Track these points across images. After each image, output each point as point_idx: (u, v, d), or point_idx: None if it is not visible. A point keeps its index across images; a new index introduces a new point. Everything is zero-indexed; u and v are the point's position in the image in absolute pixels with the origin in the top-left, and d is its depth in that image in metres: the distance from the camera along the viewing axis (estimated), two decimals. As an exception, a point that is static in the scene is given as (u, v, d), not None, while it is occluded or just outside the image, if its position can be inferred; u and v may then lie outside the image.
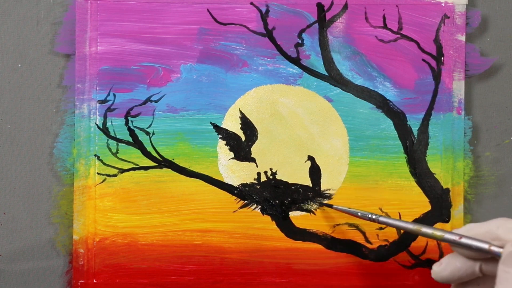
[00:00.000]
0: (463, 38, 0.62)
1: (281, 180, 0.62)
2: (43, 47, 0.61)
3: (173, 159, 0.61)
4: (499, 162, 0.64)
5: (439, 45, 0.62)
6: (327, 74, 0.62)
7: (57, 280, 0.61)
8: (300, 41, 0.62)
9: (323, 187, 0.62)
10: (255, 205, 0.61)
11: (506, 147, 0.64)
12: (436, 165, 0.62)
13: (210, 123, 0.61)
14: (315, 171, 0.62)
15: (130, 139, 0.61)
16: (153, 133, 0.61)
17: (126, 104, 0.61)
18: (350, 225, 0.62)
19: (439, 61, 0.62)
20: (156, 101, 0.61)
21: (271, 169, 0.62)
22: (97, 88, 0.61)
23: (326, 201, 0.62)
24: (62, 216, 0.61)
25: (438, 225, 0.62)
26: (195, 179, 0.61)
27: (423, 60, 0.62)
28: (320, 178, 0.62)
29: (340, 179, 0.62)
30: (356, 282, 0.62)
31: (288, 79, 0.62)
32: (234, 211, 0.61)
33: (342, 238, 0.62)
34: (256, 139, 0.62)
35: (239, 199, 0.61)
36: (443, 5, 0.62)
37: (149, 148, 0.61)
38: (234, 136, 0.62)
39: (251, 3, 0.61)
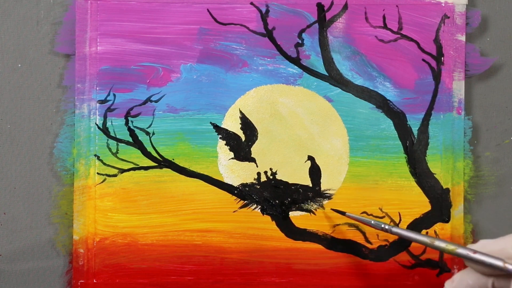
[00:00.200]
0: (463, 38, 0.62)
1: (281, 180, 0.62)
2: (43, 47, 0.61)
3: (173, 159, 0.61)
4: (499, 162, 0.64)
5: (439, 45, 0.62)
6: (327, 74, 0.62)
7: (57, 280, 0.61)
8: (300, 41, 0.62)
9: (323, 187, 0.62)
10: (255, 205, 0.61)
11: (506, 147, 0.64)
12: (436, 165, 0.62)
13: (210, 123, 0.61)
14: (315, 171, 0.62)
15: (130, 139, 0.61)
16: (153, 133, 0.61)
17: (126, 104, 0.61)
18: (350, 225, 0.62)
19: (439, 61, 0.62)
20: (156, 101, 0.61)
21: (271, 169, 0.62)
22: (97, 88, 0.61)
23: (325, 203, 0.61)
24: (62, 216, 0.61)
25: (438, 225, 0.62)
26: (195, 179, 0.61)
27: (423, 60, 0.62)
28: (320, 178, 0.62)
29: (340, 179, 0.62)
30: (356, 282, 0.62)
31: (288, 79, 0.62)
32: (234, 211, 0.61)
33: (342, 238, 0.62)
34: (256, 139, 0.62)
35: (239, 199, 0.61)
36: (443, 5, 0.62)
37: (149, 148, 0.61)
38: (234, 136, 0.62)
39: (251, 3, 0.61)
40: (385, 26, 0.62)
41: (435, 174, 0.62)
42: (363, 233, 0.62)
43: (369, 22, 0.62)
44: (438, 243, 0.44)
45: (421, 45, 0.62)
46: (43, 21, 0.61)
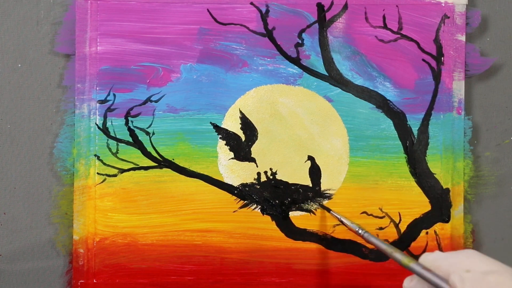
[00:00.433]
0: (463, 38, 0.62)
1: (281, 180, 0.62)
2: (43, 47, 0.61)
3: (173, 159, 0.61)
4: (499, 162, 0.64)
5: (439, 45, 0.62)
6: (327, 74, 0.62)
7: (57, 280, 0.61)
8: (300, 41, 0.62)
9: (323, 187, 0.62)
10: (255, 205, 0.61)
11: (506, 147, 0.64)
12: (436, 165, 0.62)
13: (210, 123, 0.61)
14: (315, 171, 0.62)
15: (130, 139, 0.61)
16: (153, 133, 0.61)
17: (126, 104, 0.61)
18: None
19: (439, 61, 0.62)
20: (156, 101, 0.61)
21: (271, 169, 0.62)
22: (97, 88, 0.61)
23: (325, 203, 0.62)
24: (62, 216, 0.61)
25: (438, 225, 0.62)
26: (195, 179, 0.61)
27: (423, 60, 0.62)
28: (320, 178, 0.62)
29: (340, 179, 0.62)
30: (356, 282, 0.62)
31: (288, 79, 0.62)
32: (234, 211, 0.61)
33: (342, 238, 0.62)
34: (256, 139, 0.62)
35: (239, 199, 0.61)
36: (443, 5, 0.62)
37: (149, 148, 0.61)
38: (234, 136, 0.62)
39: (251, 3, 0.61)
40: (385, 26, 0.62)
41: (435, 174, 0.62)
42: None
43: (369, 22, 0.62)
44: (395, 255, 0.46)
45: (421, 45, 0.62)
46: (43, 21, 0.61)
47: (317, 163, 0.62)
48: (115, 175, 0.61)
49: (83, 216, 0.60)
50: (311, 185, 0.62)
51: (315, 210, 0.62)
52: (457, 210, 0.62)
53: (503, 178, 0.64)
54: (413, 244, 0.62)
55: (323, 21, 0.62)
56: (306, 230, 0.62)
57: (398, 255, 0.45)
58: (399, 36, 0.62)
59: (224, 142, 0.62)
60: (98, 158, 0.61)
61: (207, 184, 0.61)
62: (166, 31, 0.61)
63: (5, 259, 0.61)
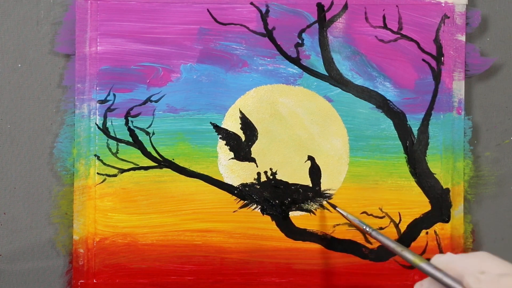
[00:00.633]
0: (463, 38, 0.62)
1: (281, 180, 0.62)
2: (43, 47, 0.61)
3: (173, 159, 0.61)
4: (499, 162, 0.64)
5: (439, 45, 0.62)
6: (327, 74, 0.62)
7: (57, 280, 0.61)
8: (300, 41, 0.62)
9: (323, 187, 0.62)
10: (255, 205, 0.61)
11: (506, 147, 0.64)
12: (436, 165, 0.62)
13: (210, 123, 0.61)
14: (315, 171, 0.62)
15: (130, 139, 0.61)
16: (153, 133, 0.61)
17: (126, 104, 0.61)
18: (350, 225, 0.62)
19: (439, 61, 0.62)
20: (156, 101, 0.61)
21: (271, 169, 0.62)
22: (97, 88, 0.61)
23: (324, 203, 0.62)
24: (62, 216, 0.61)
25: (438, 225, 0.62)
26: (195, 179, 0.61)
27: (423, 60, 0.62)
28: (320, 178, 0.62)
29: (340, 179, 0.62)
30: (356, 282, 0.62)
31: (288, 79, 0.62)
32: (234, 211, 0.61)
33: (342, 238, 0.62)
34: (256, 139, 0.62)
35: (239, 199, 0.61)
36: (443, 5, 0.62)
37: (149, 148, 0.61)
38: (234, 136, 0.62)
39: (251, 3, 0.61)
40: (385, 26, 0.62)
41: (435, 174, 0.62)
42: (363, 233, 0.62)
43: (369, 22, 0.62)
44: (406, 254, 0.45)
45: (421, 45, 0.62)
46: (43, 21, 0.61)
47: (317, 163, 0.62)
48: (115, 175, 0.61)
49: (83, 216, 0.60)
50: (311, 185, 0.62)
51: (315, 210, 0.62)
52: (457, 210, 0.62)
53: (503, 178, 0.64)
54: (413, 244, 0.62)
55: (323, 21, 0.62)
56: (306, 230, 0.62)
57: (409, 254, 0.45)
58: (399, 36, 0.62)
59: (224, 142, 0.62)
60: (98, 158, 0.61)
61: (207, 184, 0.61)
62: (166, 31, 0.61)
63: (5, 259, 0.61)
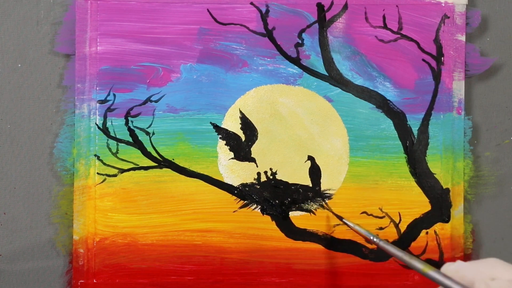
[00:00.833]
0: (463, 38, 0.62)
1: (281, 180, 0.62)
2: (43, 47, 0.61)
3: (173, 159, 0.61)
4: (499, 162, 0.64)
5: (439, 45, 0.62)
6: (327, 74, 0.62)
7: (57, 280, 0.61)
8: (300, 41, 0.62)
9: (323, 187, 0.62)
10: (255, 205, 0.61)
11: (506, 147, 0.64)
12: (436, 165, 0.62)
13: (210, 123, 0.61)
14: (315, 171, 0.62)
15: (130, 139, 0.61)
16: (153, 133, 0.61)
17: (126, 104, 0.61)
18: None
19: (439, 61, 0.62)
20: (156, 101, 0.61)
21: (271, 169, 0.62)
22: (97, 88, 0.61)
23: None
24: (62, 216, 0.61)
25: (438, 225, 0.62)
26: (195, 179, 0.61)
27: (423, 60, 0.62)
28: (320, 178, 0.62)
29: (340, 179, 0.62)
30: (356, 282, 0.62)
31: (288, 79, 0.62)
32: (234, 211, 0.61)
33: (342, 238, 0.62)
34: (256, 139, 0.62)
35: (239, 199, 0.61)
36: (443, 5, 0.62)
37: (149, 148, 0.61)
38: (234, 136, 0.62)
39: (251, 3, 0.61)
40: (385, 26, 0.62)
41: (435, 174, 0.62)
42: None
43: (369, 22, 0.62)
44: (414, 263, 0.45)
45: (421, 45, 0.62)
46: (43, 21, 0.61)
47: (317, 163, 0.62)
48: (115, 175, 0.61)
49: (83, 216, 0.60)
50: (311, 185, 0.62)
51: (315, 210, 0.62)
52: (457, 210, 0.62)
53: (503, 178, 0.64)
54: (413, 244, 0.62)
55: (323, 21, 0.62)
56: (306, 230, 0.62)
57: (418, 263, 0.44)
58: (399, 36, 0.62)
59: (224, 142, 0.62)
60: (98, 158, 0.61)
61: (207, 184, 0.61)
62: (166, 31, 0.61)
63: (5, 259, 0.61)
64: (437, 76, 0.62)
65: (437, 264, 0.62)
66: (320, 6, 0.62)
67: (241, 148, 0.62)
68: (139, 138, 0.61)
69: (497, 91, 0.64)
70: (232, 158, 0.62)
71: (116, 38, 0.61)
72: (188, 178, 0.61)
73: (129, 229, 0.61)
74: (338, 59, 0.62)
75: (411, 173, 0.62)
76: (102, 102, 0.61)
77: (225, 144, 0.62)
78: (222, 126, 0.62)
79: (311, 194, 0.62)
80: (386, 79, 0.62)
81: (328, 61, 0.62)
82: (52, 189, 0.61)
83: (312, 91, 0.62)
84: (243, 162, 0.62)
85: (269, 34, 0.61)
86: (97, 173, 0.61)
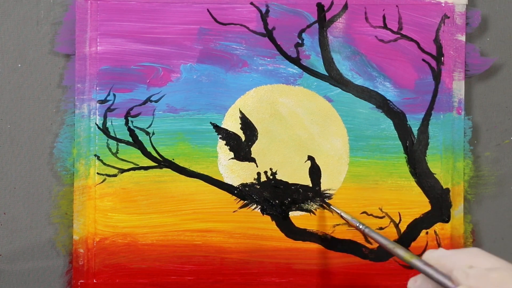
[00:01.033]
0: (463, 38, 0.62)
1: (281, 180, 0.62)
2: (43, 47, 0.61)
3: (173, 159, 0.61)
4: (499, 162, 0.64)
5: (439, 45, 0.62)
6: (327, 74, 0.62)
7: (57, 280, 0.61)
8: (300, 41, 0.62)
9: (323, 187, 0.62)
10: (255, 205, 0.61)
11: (506, 147, 0.64)
12: (436, 165, 0.62)
13: (210, 123, 0.61)
14: (315, 171, 0.62)
15: (130, 139, 0.61)
16: (153, 133, 0.61)
17: (126, 104, 0.61)
18: (350, 225, 0.62)
19: (439, 61, 0.62)
20: (156, 101, 0.61)
21: (271, 169, 0.62)
22: (97, 88, 0.61)
23: (327, 201, 0.62)
24: (62, 216, 0.61)
25: (438, 225, 0.62)
26: (195, 179, 0.61)
27: (423, 60, 0.62)
28: (320, 178, 0.62)
29: (340, 179, 0.62)
30: (356, 282, 0.62)
31: (288, 79, 0.62)
32: (234, 211, 0.61)
33: (342, 238, 0.62)
34: (256, 139, 0.62)
35: (239, 199, 0.61)
36: (443, 5, 0.62)
37: (149, 148, 0.61)
38: (234, 136, 0.62)
39: (251, 3, 0.61)
40: (385, 26, 0.62)
41: (435, 174, 0.62)
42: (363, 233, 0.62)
43: (369, 22, 0.62)
44: (397, 250, 0.45)
45: (421, 45, 0.62)
46: (43, 21, 0.61)
47: (317, 163, 0.62)
48: (115, 175, 0.61)
49: (83, 216, 0.60)
50: (311, 185, 0.62)
51: (315, 210, 0.62)
52: (457, 210, 0.62)
53: (503, 178, 0.64)
54: (413, 244, 0.62)
55: (323, 21, 0.62)
56: (306, 230, 0.62)
57: (400, 250, 0.45)
58: (399, 36, 0.62)
59: (224, 142, 0.62)
60: (98, 158, 0.61)
61: (207, 184, 0.61)
62: (166, 31, 0.61)
63: (5, 259, 0.61)
64: (437, 76, 0.62)
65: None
66: (320, 6, 0.62)
67: (241, 148, 0.62)
68: (139, 138, 0.61)
69: (497, 91, 0.64)
70: (232, 158, 0.62)
71: (116, 38, 0.61)
72: (188, 178, 0.61)
73: (129, 229, 0.61)
74: (338, 59, 0.62)
75: (411, 173, 0.62)
76: (102, 102, 0.61)
77: (225, 144, 0.62)
78: (222, 126, 0.62)
79: (311, 194, 0.62)
80: (386, 79, 0.62)
81: (328, 61, 0.62)
82: (52, 189, 0.61)
83: (312, 91, 0.62)
84: (243, 162, 0.62)
85: (269, 34, 0.61)
86: (97, 173, 0.61)
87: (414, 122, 0.62)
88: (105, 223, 0.61)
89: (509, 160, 0.64)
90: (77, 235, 0.60)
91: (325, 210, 0.62)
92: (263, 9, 0.61)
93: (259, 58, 0.62)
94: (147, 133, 0.61)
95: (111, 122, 0.61)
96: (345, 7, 0.62)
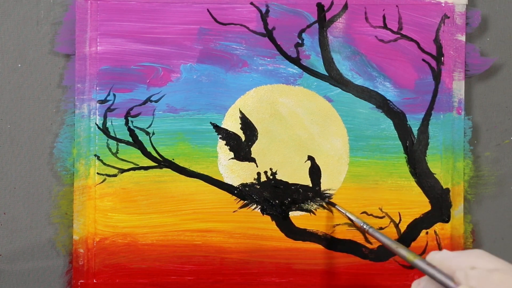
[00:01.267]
0: (463, 38, 0.62)
1: (281, 180, 0.62)
2: (43, 47, 0.61)
3: (173, 159, 0.61)
4: (499, 162, 0.64)
5: (439, 45, 0.62)
6: (327, 74, 0.62)
7: (57, 280, 0.61)
8: (300, 41, 0.62)
9: (323, 187, 0.62)
10: (255, 205, 0.61)
11: (506, 147, 0.64)
12: (436, 165, 0.62)
13: (210, 123, 0.61)
14: (315, 171, 0.62)
15: (130, 139, 0.61)
16: (153, 133, 0.61)
17: (126, 104, 0.61)
18: (350, 225, 0.62)
19: (439, 61, 0.62)
20: (156, 101, 0.61)
21: (271, 169, 0.62)
22: (97, 88, 0.61)
23: (331, 200, 0.62)
24: (62, 216, 0.61)
25: (438, 225, 0.62)
26: (195, 179, 0.61)
27: (423, 60, 0.62)
28: (320, 178, 0.62)
29: (340, 179, 0.62)
30: (356, 282, 0.62)
31: (288, 79, 0.62)
32: (234, 211, 0.61)
33: (342, 238, 0.62)
34: (256, 139, 0.62)
35: (239, 199, 0.61)
36: (443, 5, 0.62)
37: (149, 148, 0.61)
38: (234, 136, 0.62)
39: (251, 3, 0.61)
40: (385, 26, 0.62)
41: (435, 174, 0.62)
42: (363, 233, 0.62)
43: (369, 22, 0.62)
44: (400, 251, 0.46)
45: (421, 45, 0.62)
46: (43, 21, 0.61)
47: (317, 163, 0.62)
48: (115, 175, 0.61)
49: (83, 216, 0.60)
50: (311, 185, 0.62)
51: (315, 210, 0.62)
52: (457, 210, 0.62)
53: (503, 178, 0.64)
54: (413, 244, 0.62)
55: (323, 21, 0.62)
56: (306, 230, 0.62)
57: (403, 250, 0.45)
58: (399, 36, 0.62)
59: (224, 142, 0.62)
60: (98, 158, 0.61)
61: (207, 184, 0.61)
62: (166, 31, 0.61)
63: (5, 259, 0.61)
64: (437, 76, 0.62)
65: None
66: (320, 6, 0.62)
67: (241, 148, 0.62)
68: (139, 138, 0.61)
69: (497, 91, 0.64)
70: (232, 158, 0.62)
71: (116, 38, 0.61)
72: (188, 178, 0.61)
73: (129, 229, 0.61)
74: (338, 59, 0.62)
75: (411, 173, 0.62)
76: (102, 102, 0.61)
77: (225, 144, 0.62)
78: (222, 126, 0.62)
79: (311, 194, 0.62)
80: (386, 79, 0.62)
81: (328, 61, 0.62)
82: (52, 189, 0.61)
83: (312, 91, 0.62)
84: (243, 162, 0.62)
85: (269, 34, 0.62)
86: (97, 173, 0.61)
87: (414, 122, 0.62)
88: (105, 223, 0.61)
89: (509, 160, 0.64)
90: (77, 235, 0.60)
91: (325, 210, 0.62)
92: (263, 9, 0.61)
93: (259, 58, 0.62)
94: (147, 133, 0.61)
95: (111, 122, 0.61)
96: (345, 7, 0.62)
